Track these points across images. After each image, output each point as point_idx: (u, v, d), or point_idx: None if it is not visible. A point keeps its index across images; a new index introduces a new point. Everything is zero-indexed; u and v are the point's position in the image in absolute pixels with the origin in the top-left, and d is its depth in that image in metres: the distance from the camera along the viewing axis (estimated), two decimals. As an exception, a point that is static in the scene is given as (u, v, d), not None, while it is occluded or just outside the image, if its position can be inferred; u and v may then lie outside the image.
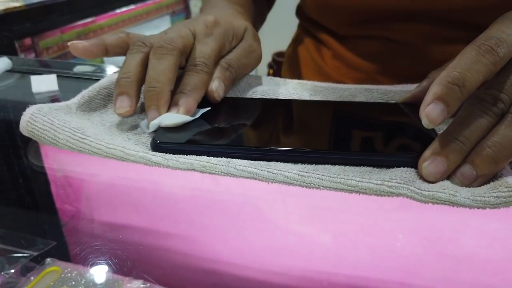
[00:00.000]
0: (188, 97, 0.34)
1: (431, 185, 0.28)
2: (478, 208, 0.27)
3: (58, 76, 0.49)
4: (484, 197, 0.26)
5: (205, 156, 0.31)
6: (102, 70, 0.54)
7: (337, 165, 0.30)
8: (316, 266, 0.28)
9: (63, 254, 0.28)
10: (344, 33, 0.56)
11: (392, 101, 0.39)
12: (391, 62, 0.53)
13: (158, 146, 0.32)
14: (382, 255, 0.28)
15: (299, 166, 0.30)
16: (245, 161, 0.30)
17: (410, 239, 0.30)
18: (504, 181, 0.27)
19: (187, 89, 0.35)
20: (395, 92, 0.41)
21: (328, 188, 0.28)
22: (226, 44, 0.40)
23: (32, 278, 0.25)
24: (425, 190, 0.27)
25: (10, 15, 1.10)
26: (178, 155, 0.31)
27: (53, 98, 0.47)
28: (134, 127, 0.35)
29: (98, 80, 0.50)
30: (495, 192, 0.26)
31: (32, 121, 0.33)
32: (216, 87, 0.37)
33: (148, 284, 0.25)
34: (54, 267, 0.26)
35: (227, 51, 0.41)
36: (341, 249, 0.29)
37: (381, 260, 0.28)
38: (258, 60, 0.44)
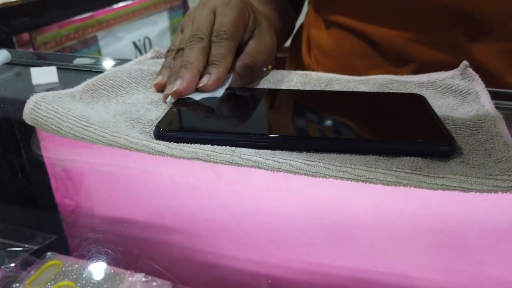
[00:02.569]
0: (218, 67, 0.37)
1: (440, 171, 0.27)
2: (490, 192, 0.26)
3: (58, 69, 0.49)
4: (496, 179, 0.26)
5: (209, 145, 0.30)
6: (101, 63, 0.54)
7: (343, 154, 0.29)
8: (319, 258, 0.28)
9: (63, 248, 0.28)
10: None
11: (396, 91, 0.39)
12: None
13: (161, 134, 0.31)
14: (385, 247, 0.28)
15: (305, 155, 0.29)
16: (250, 150, 0.30)
17: (412, 230, 0.29)
18: None
19: (216, 59, 0.38)
20: (400, 82, 0.41)
21: (334, 177, 0.28)
22: (245, 13, 0.42)
23: (32, 272, 0.25)
24: (434, 177, 0.26)
25: (7, 9, 1.10)
26: (182, 143, 0.30)
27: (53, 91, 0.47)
28: (138, 116, 0.35)
29: (97, 72, 0.50)
30: (508, 175, 0.26)
31: (36, 108, 0.33)
32: (232, 81, 0.39)
33: (150, 278, 0.25)
34: (54, 261, 0.26)
35: (246, 22, 0.42)
36: (343, 241, 0.29)
37: (383, 252, 0.28)
38: (273, 58, 0.46)
